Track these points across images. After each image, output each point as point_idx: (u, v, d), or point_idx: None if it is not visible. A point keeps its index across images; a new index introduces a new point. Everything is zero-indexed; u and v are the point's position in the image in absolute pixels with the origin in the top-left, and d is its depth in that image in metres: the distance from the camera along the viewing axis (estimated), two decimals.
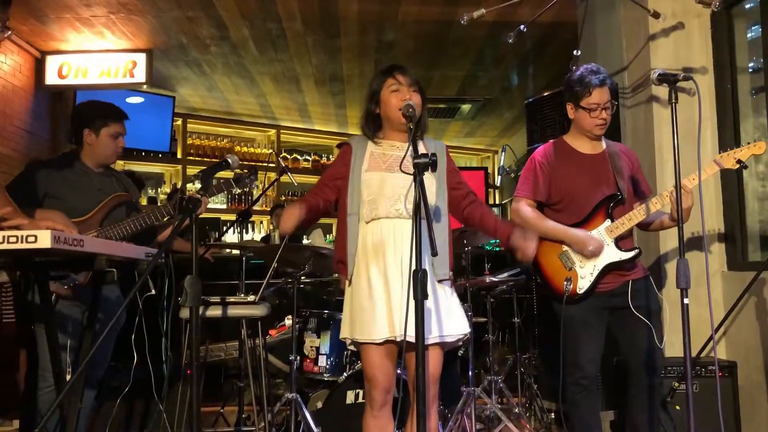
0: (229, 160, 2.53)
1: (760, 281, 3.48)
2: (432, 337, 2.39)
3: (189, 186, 2.53)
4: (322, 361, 3.85)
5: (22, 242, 1.79)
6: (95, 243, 2.09)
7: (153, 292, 2.61)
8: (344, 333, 2.52)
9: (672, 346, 3.78)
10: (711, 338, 2.97)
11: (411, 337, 2.10)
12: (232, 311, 3.21)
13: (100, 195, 3.06)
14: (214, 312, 3.14)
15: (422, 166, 2.06)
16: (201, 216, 2.48)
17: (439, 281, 2.47)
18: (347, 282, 2.54)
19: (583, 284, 2.87)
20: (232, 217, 7.33)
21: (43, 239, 1.80)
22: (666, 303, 3.82)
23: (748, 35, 3.98)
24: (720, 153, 2.94)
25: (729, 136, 3.94)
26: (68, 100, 6.65)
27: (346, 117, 8.75)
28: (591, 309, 2.90)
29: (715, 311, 3.70)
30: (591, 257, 2.87)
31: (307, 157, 9.38)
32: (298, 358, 3.83)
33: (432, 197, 2.47)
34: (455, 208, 2.64)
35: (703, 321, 3.35)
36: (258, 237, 8.52)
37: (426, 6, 5.15)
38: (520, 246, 2.51)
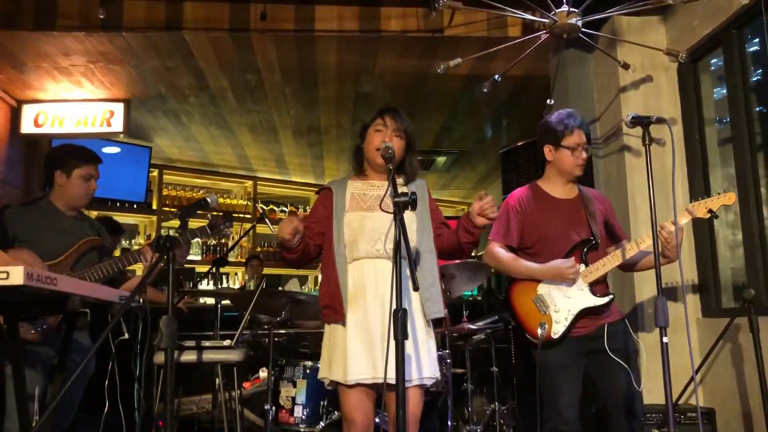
0: (208, 200, 2.53)
1: (735, 327, 3.52)
2: (414, 379, 2.37)
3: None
4: (298, 412, 3.76)
5: None
6: (69, 282, 2.05)
7: (126, 336, 2.55)
8: (322, 373, 2.50)
9: (649, 393, 3.76)
10: (691, 379, 2.97)
11: (391, 378, 2.07)
12: (208, 356, 3.14)
13: (72, 238, 2.99)
14: (189, 357, 3.07)
15: (402, 204, 2.07)
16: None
17: (432, 319, 2.47)
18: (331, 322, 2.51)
19: (557, 329, 2.86)
20: (207, 268, 7.24)
21: (16, 276, 1.76)
22: (640, 350, 3.82)
23: (715, 96, 4.12)
24: (691, 202, 2.99)
25: (699, 185, 4.03)
26: (43, 148, 6.57)
27: (323, 168, 8.79)
28: (568, 353, 2.88)
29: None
30: (574, 281, 2.87)
31: (284, 209, 9.37)
32: (274, 408, 3.74)
33: (413, 236, 2.48)
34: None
35: (681, 368, 3.36)
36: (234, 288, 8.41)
37: (402, 59, 5.25)
38: (478, 210, 2.38)
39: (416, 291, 2.05)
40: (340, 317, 2.44)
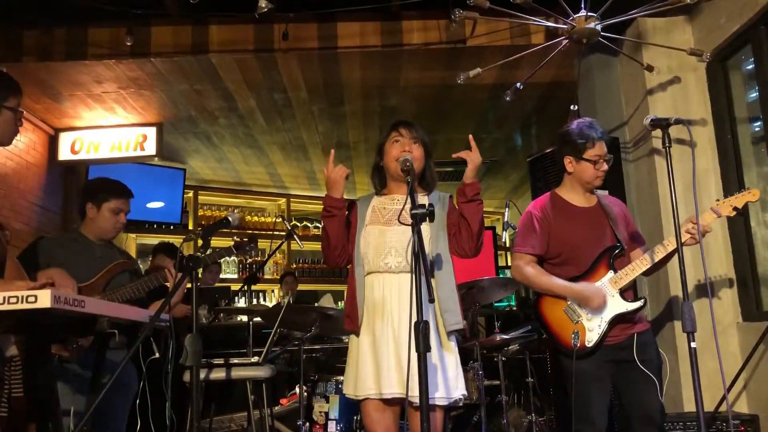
0: (230, 218, 2.57)
1: None
2: (434, 398, 2.35)
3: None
4: (332, 427, 3.76)
5: (21, 302, 1.80)
6: (96, 304, 2.09)
7: (157, 355, 2.59)
8: (344, 387, 2.55)
9: (689, 402, 3.67)
10: (731, 385, 2.88)
11: (411, 395, 2.08)
12: (236, 373, 3.16)
13: (102, 263, 3.07)
14: (218, 374, 3.10)
15: (419, 216, 2.07)
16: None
17: (450, 332, 2.45)
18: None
19: (591, 337, 2.81)
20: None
21: (43, 299, 1.80)
22: (679, 356, 3.74)
23: (748, 95, 4.01)
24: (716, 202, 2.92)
25: (733, 186, 3.93)
26: (80, 174, 6.77)
27: (354, 182, 8.83)
28: (599, 363, 2.82)
29: (732, 364, 3.62)
30: (597, 310, 2.82)
31: (318, 225, 9.44)
32: (308, 424, 3.75)
33: (427, 247, 2.46)
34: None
35: (720, 374, 3.26)
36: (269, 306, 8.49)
37: (426, 71, 5.26)
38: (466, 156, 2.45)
39: (431, 303, 2.04)
40: (355, 326, 2.48)
